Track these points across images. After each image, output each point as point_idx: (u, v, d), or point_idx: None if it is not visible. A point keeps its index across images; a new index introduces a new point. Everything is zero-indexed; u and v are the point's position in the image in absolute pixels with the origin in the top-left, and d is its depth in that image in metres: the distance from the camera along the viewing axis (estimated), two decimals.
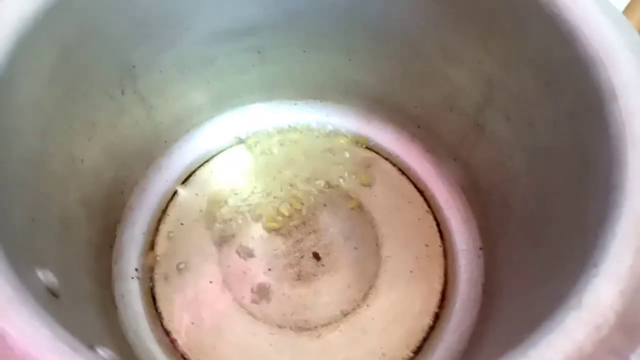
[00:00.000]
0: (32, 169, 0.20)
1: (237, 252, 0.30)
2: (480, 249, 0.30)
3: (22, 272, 0.15)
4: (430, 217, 0.32)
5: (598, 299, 0.14)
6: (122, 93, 0.27)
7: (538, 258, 0.22)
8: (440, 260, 0.30)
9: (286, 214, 0.31)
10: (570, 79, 0.20)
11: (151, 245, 0.30)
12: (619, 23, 0.20)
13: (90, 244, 0.27)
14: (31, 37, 0.20)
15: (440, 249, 0.31)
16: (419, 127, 0.33)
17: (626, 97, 0.18)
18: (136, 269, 0.29)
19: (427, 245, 0.31)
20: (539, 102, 0.23)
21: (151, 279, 0.29)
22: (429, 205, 0.32)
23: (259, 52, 0.30)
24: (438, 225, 0.31)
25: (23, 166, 0.19)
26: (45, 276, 0.18)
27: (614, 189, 0.16)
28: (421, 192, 0.32)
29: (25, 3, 0.20)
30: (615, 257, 0.15)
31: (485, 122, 0.27)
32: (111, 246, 0.29)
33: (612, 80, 0.19)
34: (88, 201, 0.26)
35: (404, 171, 0.33)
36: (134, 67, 0.26)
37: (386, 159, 0.33)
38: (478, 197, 0.30)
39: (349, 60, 0.31)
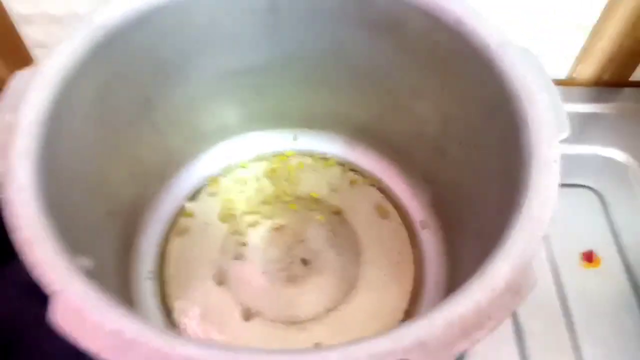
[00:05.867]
0: (73, 184, 0.26)
1: (236, 258, 0.35)
2: (445, 254, 0.35)
3: (70, 257, 0.21)
4: (404, 229, 0.37)
5: (494, 271, 0.19)
6: (141, 122, 0.32)
7: (480, 256, 0.27)
8: (411, 266, 0.35)
9: (280, 224, 0.36)
10: (501, 111, 0.26)
11: (163, 252, 0.35)
12: (539, 71, 0.25)
13: (114, 249, 0.32)
14: (74, 80, 0.25)
15: (412, 257, 0.36)
16: (395, 152, 0.38)
17: (536, 127, 0.23)
18: (150, 271, 0.34)
19: (400, 253, 0.36)
20: (481, 130, 0.28)
21: (162, 280, 0.34)
22: (403, 220, 0.37)
23: (256, 89, 0.36)
24: (410, 236, 0.36)
25: (70, 182, 0.25)
26: (83, 262, 0.23)
27: (521, 194, 0.22)
28: (397, 208, 0.38)
29: (69, 54, 0.25)
30: (512, 244, 0.20)
31: (445, 148, 0.33)
32: (130, 251, 0.34)
33: (527, 113, 0.24)
34: (113, 212, 0.32)
35: (382, 190, 0.38)
36: (150, 100, 0.32)
37: (366, 178, 0.39)
38: (443, 212, 0.36)
39: (332, 94, 0.37)
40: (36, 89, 0.24)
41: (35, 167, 0.22)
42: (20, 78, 0.24)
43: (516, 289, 0.19)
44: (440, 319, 0.18)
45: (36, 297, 0.19)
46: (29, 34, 0.46)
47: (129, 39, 0.28)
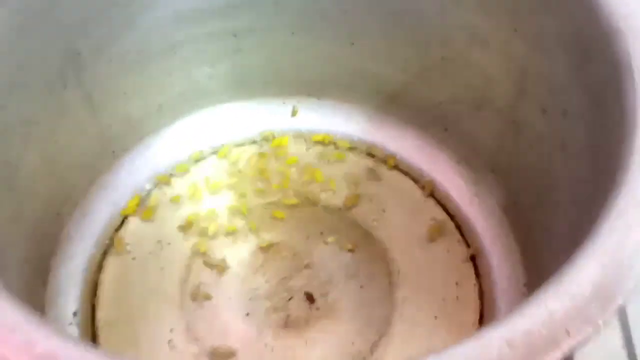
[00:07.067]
0: None
1: (205, 293, 0.38)
2: (525, 285, 0.37)
3: None
4: (463, 248, 0.39)
5: (576, 271, 0.21)
6: (64, 87, 0.35)
7: None
8: (474, 303, 0.37)
9: (271, 242, 0.39)
10: (595, 55, 0.29)
11: (94, 284, 0.38)
12: None
13: (21, 277, 0.35)
14: None
15: (475, 289, 0.38)
16: (446, 129, 0.41)
17: None
18: (74, 314, 0.37)
19: (457, 284, 0.38)
20: (570, 87, 0.31)
21: (94, 327, 0.37)
22: (462, 233, 0.40)
23: (234, 36, 0.39)
24: (473, 258, 0.39)
25: None
26: None
27: (621, 169, 0.24)
28: (451, 216, 0.40)
29: None
30: (604, 235, 0.22)
31: (521, 120, 0.35)
32: (45, 281, 0.37)
33: (630, 55, 0.27)
34: (21, 220, 0.34)
35: (428, 188, 0.41)
36: (79, 54, 0.35)
37: (405, 173, 0.42)
38: (521, 219, 0.38)
39: (352, 44, 0.40)
40: None
41: None
42: None
43: (608, 296, 0.21)
44: (496, 338, 0.20)
45: None
46: None
47: None
